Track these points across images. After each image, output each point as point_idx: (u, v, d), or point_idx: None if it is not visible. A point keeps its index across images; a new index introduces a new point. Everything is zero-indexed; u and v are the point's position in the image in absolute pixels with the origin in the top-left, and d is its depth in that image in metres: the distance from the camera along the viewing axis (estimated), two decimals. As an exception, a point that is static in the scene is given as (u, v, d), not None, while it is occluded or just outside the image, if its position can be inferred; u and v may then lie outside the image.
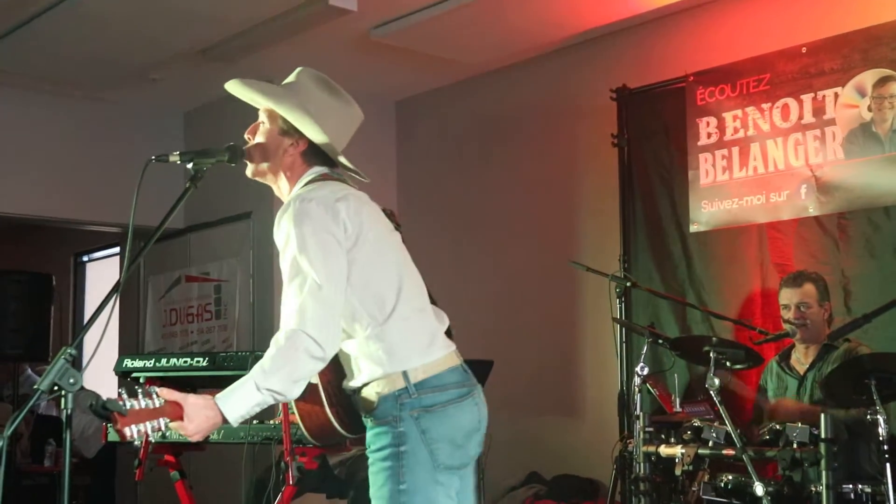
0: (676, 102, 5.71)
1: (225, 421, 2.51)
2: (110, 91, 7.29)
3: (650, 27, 6.12)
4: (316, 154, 2.81)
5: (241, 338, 7.24)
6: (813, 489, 3.82)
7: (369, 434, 2.68)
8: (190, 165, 2.77)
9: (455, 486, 2.69)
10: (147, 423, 2.42)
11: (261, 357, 2.79)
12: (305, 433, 2.81)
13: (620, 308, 5.40)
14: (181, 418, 2.49)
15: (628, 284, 5.17)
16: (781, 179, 5.24)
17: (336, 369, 2.71)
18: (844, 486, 3.82)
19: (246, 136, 2.88)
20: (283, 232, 2.62)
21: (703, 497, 4.11)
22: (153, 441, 2.52)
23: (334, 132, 2.80)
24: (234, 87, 2.87)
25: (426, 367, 2.65)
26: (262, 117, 2.86)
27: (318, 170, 2.81)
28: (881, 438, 3.70)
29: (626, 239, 5.90)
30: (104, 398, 2.38)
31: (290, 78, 2.88)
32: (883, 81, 4.92)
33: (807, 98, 5.16)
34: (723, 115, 5.48)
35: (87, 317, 7.86)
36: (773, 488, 3.86)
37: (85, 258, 10.09)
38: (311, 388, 2.67)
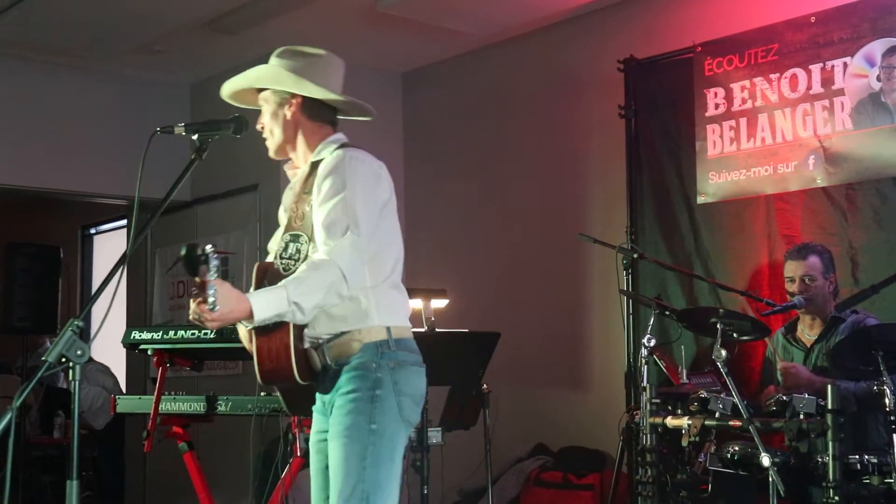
0: (684, 73, 5.67)
1: (250, 316, 2.60)
2: (116, 63, 7.27)
3: (657, -3, 6.08)
4: (319, 110, 2.95)
5: (249, 310, 7.23)
6: (819, 460, 3.83)
7: (343, 378, 2.79)
8: (195, 137, 2.81)
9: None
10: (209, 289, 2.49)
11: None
12: (257, 372, 2.81)
13: (627, 280, 5.39)
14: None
15: (635, 256, 5.17)
16: (789, 150, 5.22)
17: None
18: (851, 456, 3.83)
19: (257, 128, 3.01)
20: (337, 180, 2.77)
21: (710, 468, 4.12)
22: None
23: (321, 82, 2.92)
24: (227, 88, 3.03)
25: (401, 330, 2.87)
26: (260, 104, 3.00)
27: (339, 137, 2.97)
28: (888, 409, 3.71)
29: (633, 210, 5.88)
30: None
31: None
32: (892, 51, 4.88)
33: (815, 68, 5.13)
34: (730, 85, 5.45)
35: (94, 289, 7.88)
36: (779, 459, 3.86)
37: (92, 230, 10.10)
38: (279, 325, 2.74)
